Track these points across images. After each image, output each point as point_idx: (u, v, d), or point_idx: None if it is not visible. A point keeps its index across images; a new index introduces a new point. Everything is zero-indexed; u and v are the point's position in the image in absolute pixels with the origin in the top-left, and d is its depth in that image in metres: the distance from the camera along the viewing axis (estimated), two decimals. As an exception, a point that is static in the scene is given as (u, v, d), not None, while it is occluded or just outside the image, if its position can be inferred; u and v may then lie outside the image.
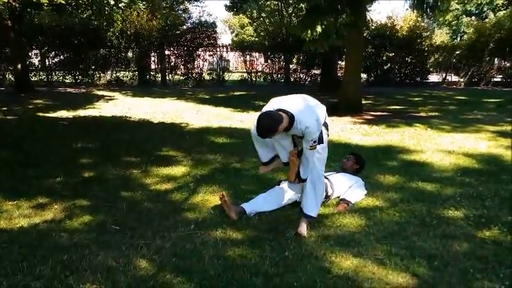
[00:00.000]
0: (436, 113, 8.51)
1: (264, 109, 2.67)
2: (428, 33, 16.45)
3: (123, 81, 16.40)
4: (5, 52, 14.31)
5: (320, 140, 2.72)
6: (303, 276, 2.24)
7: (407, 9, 17.35)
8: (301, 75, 17.56)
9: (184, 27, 17.76)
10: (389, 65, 16.53)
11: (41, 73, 15.92)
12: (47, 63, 16.15)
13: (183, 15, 19.78)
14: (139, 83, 16.33)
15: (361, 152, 4.39)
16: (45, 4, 7.92)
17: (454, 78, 17.01)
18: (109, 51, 16.10)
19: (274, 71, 17.50)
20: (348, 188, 3.39)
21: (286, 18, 18.75)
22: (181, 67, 17.14)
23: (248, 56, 17.47)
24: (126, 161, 4.59)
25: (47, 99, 10.80)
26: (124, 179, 3.96)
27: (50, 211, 3.12)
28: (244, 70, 17.86)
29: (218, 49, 17.48)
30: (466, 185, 3.74)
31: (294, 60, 17.59)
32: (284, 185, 3.23)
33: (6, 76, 15.16)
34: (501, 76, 16.40)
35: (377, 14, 42.37)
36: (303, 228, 2.73)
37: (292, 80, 17.44)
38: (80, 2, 8.99)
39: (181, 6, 19.51)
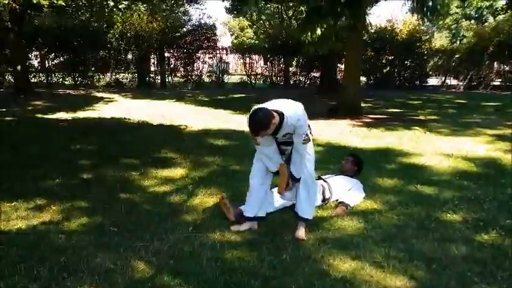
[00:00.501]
0: (435, 117, 8.51)
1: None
2: (427, 36, 16.50)
3: (123, 83, 16.43)
4: (5, 53, 14.30)
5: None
6: (301, 279, 2.23)
7: (406, 12, 17.40)
8: (301, 78, 17.59)
9: (184, 29, 17.76)
10: (388, 68, 16.55)
11: (41, 75, 15.93)
12: (47, 64, 16.16)
13: (183, 17, 19.77)
14: (138, 85, 16.35)
15: (360, 154, 4.38)
16: (46, 6, 7.93)
17: (453, 81, 17.06)
18: (109, 53, 16.12)
19: (273, 74, 17.50)
20: (347, 191, 3.40)
21: (286, 21, 18.79)
22: (181, 69, 17.16)
23: (248, 59, 17.49)
24: (124, 163, 4.59)
25: (46, 100, 10.82)
26: (122, 180, 3.95)
27: (48, 213, 3.11)
28: (244, 72, 17.87)
29: (218, 51, 17.49)
30: (464, 188, 3.75)
31: (294, 63, 17.61)
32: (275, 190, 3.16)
33: (6, 77, 15.14)
34: (500, 80, 16.43)
35: (376, 18, 42.58)
36: (302, 232, 2.73)
37: (291, 82, 17.45)
38: (80, 3, 9.01)
39: (181, 9, 19.51)
